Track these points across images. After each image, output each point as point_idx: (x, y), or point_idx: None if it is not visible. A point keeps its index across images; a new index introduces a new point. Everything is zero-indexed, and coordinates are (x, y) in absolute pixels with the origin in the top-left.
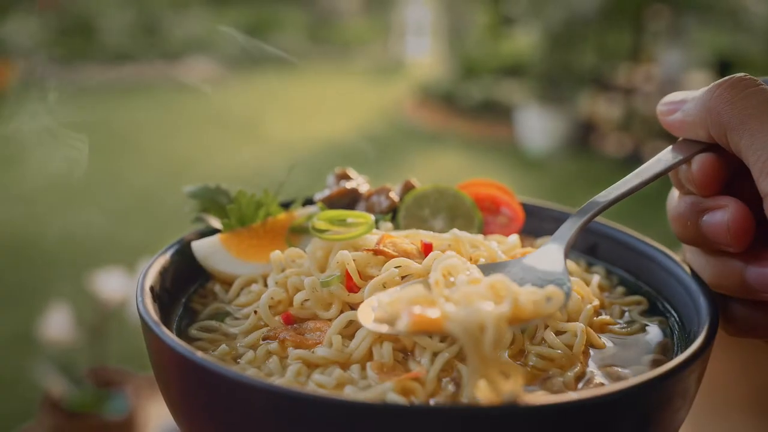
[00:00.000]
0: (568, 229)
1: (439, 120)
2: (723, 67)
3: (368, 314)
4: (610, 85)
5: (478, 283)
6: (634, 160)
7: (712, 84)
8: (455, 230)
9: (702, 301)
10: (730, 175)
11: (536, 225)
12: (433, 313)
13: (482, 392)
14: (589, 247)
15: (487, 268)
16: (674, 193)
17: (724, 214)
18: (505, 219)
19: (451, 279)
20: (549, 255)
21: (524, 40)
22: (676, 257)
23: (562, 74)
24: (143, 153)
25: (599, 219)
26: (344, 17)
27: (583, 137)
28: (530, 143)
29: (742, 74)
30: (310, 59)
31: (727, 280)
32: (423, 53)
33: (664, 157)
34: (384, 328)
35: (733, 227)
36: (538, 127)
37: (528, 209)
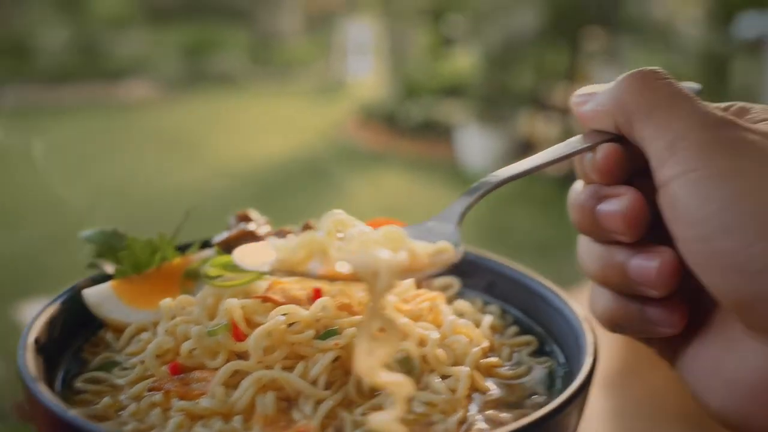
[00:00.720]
0: (460, 206)
1: (381, 140)
2: None
3: (247, 257)
4: (547, 104)
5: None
6: (573, 178)
7: (622, 75)
8: None
9: (583, 341)
10: (633, 168)
11: None
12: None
13: (362, 362)
14: (487, 286)
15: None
16: (578, 184)
17: (620, 202)
18: None
19: (340, 235)
20: (440, 227)
21: (464, 61)
22: (566, 296)
23: (501, 94)
24: (79, 175)
25: (496, 257)
26: (286, 37)
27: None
28: (470, 162)
29: (652, 67)
30: (251, 79)
31: (611, 271)
32: (365, 73)
33: (571, 142)
34: (264, 268)
35: (628, 215)
36: (477, 146)
37: None
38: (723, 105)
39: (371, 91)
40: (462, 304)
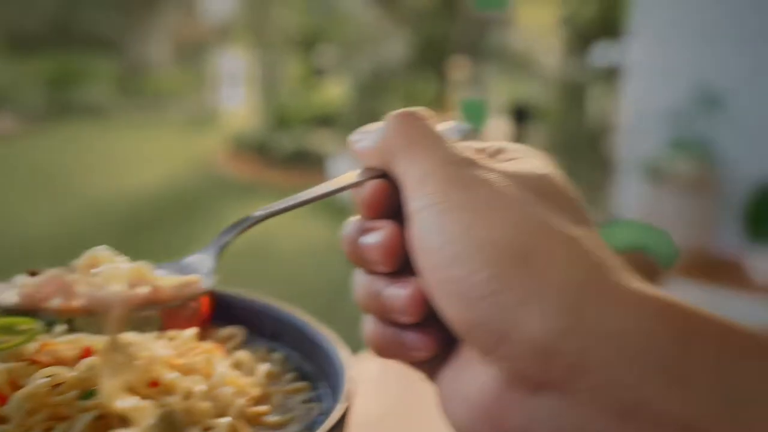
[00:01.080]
0: (221, 241)
1: (253, 170)
2: (519, 113)
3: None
4: None
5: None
6: None
7: (388, 115)
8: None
9: (341, 386)
10: (398, 203)
11: (225, 314)
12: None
13: (105, 390)
14: (273, 333)
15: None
16: (352, 218)
17: (377, 235)
18: (189, 311)
19: (94, 270)
20: (199, 261)
21: (335, 91)
22: (337, 343)
23: (372, 122)
24: None
25: (284, 306)
26: (155, 67)
27: None
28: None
29: (414, 108)
30: (120, 111)
31: (372, 299)
32: (237, 104)
33: (340, 179)
34: (6, 303)
35: (383, 247)
36: None
37: (218, 298)
38: (484, 145)
39: (243, 121)
40: (242, 354)
